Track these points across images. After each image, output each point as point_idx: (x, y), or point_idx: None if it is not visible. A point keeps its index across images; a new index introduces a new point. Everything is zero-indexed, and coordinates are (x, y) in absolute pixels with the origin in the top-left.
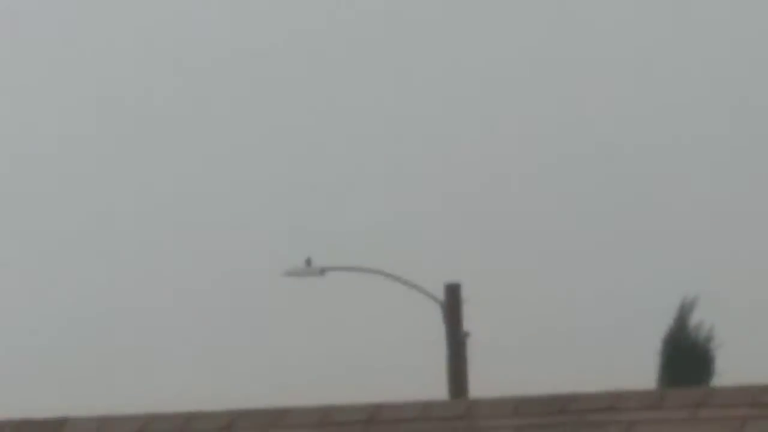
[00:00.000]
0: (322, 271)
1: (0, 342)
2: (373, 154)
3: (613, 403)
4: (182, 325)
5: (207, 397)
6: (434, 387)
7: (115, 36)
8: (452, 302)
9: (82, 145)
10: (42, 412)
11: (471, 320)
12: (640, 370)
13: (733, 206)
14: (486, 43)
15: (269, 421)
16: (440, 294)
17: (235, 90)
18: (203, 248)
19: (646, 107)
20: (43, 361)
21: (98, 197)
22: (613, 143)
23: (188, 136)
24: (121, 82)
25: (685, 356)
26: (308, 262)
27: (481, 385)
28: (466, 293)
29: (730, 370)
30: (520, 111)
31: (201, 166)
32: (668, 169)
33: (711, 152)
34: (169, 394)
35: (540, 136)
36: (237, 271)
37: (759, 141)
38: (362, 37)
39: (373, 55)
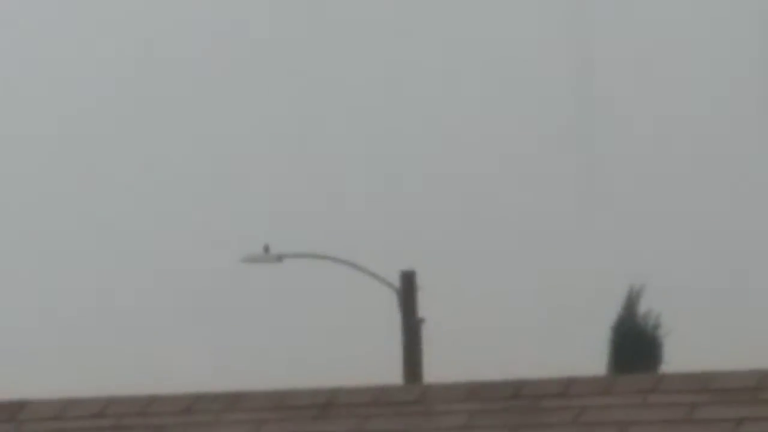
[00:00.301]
0: (280, 258)
1: None
2: (334, 143)
3: (564, 388)
4: (143, 311)
5: (166, 380)
6: (389, 372)
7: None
8: (407, 289)
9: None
10: (0, 394)
11: (426, 307)
12: (591, 356)
13: (680, 197)
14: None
15: (227, 404)
16: (396, 281)
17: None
18: (163, 234)
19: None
20: (2, 344)
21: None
22: (566, 134)
23: (147, 123)
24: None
25: (634, 343)
26: (266, 249)
27: (435, 370)
28: (421, 281)
29: (678, 356)
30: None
31: (161, 153)
32: (600, 159)
33: (653, 143)
34: (129, 377)
35: (496, 129)
36: (196, 257)
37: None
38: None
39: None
